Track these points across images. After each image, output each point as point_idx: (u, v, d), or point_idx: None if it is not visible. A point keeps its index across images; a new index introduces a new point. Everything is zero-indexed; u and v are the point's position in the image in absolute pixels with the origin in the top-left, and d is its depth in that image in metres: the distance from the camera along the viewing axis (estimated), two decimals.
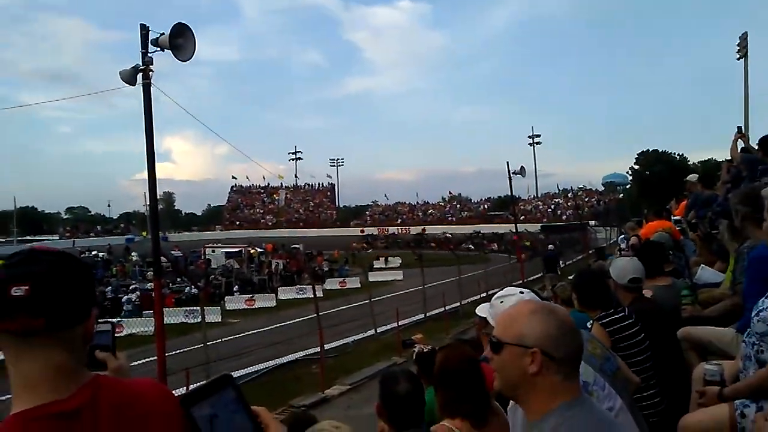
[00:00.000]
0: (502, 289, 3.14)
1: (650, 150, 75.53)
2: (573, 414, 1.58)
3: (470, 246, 59.19)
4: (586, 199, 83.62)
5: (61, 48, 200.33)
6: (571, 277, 9.15)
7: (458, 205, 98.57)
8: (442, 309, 19.88)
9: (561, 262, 29.31)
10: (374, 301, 19.69)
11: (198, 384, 1.09)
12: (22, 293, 1.17)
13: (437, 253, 28.15)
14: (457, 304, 22.54)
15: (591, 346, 2.84)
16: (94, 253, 49.07)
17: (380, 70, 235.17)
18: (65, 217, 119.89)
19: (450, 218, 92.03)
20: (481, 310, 3.32)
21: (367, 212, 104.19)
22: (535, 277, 28.50)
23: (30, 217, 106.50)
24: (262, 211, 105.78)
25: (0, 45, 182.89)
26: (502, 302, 2.38)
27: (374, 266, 44.26)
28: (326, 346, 15.26)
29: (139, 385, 1.36)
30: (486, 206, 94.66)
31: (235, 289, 32.56)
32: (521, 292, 2.45)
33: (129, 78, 10.50)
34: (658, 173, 67.59)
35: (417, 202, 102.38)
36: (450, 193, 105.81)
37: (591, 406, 1.69)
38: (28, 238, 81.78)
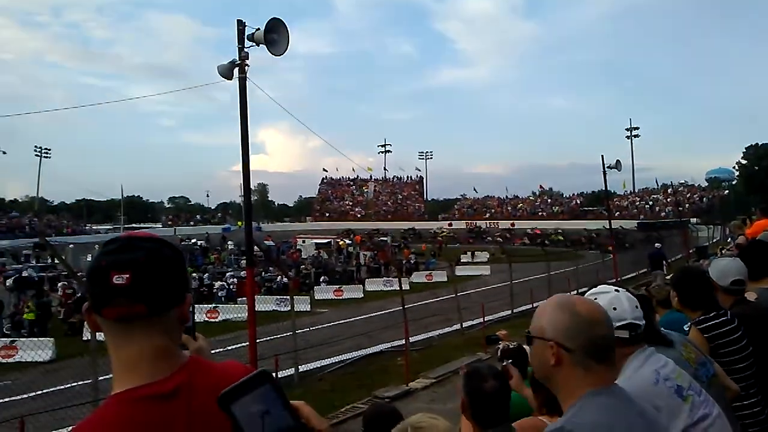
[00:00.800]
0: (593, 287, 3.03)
1: (759, 144, 70.77)
2: (595, 400, 1.63)
3: (560, 238, 57.64)
4: (688, 195, 79.33)
5: (165, 44, 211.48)
6: (669, 277, 8.73)
7: (549, 200, 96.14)
8: (530, 306, 19.47)
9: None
10: (460, 296, 19.56)
11: (236, 382, 1.08)
12: (124, 281, 1.21)
13: (527, 248, 27.48)
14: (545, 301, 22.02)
15: (685, 351, 2.71)
16: (193, 241, 51.53)
17: (471, 60, 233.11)
18: (168, 206, 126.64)
19: (540, 213, 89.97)
20: None
21: (455, 206, 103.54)
22: (629, 276, 27.43)
23: (136, 205, 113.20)
24: (351, 203, 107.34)
25: (111, 41, 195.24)
26: (595, 299, 2.29)
27: (461, 260, 44.00)
28: (411, 339, 15.32)
29: (229, 368, 1.40)
30: (578, 201, 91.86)
31: (321, 279, 33.22)
32: (616, 290, 2.35)
33: (226, 72, 10.89)
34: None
35: (506, 196, 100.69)
36: (541, 187, 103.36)
37: (622, 395, 1.71)
38: (133, 225, 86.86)
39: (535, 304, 20.11)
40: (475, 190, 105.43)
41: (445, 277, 34.42)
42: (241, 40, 10.75)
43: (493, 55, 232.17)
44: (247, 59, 10.93)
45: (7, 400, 13.26)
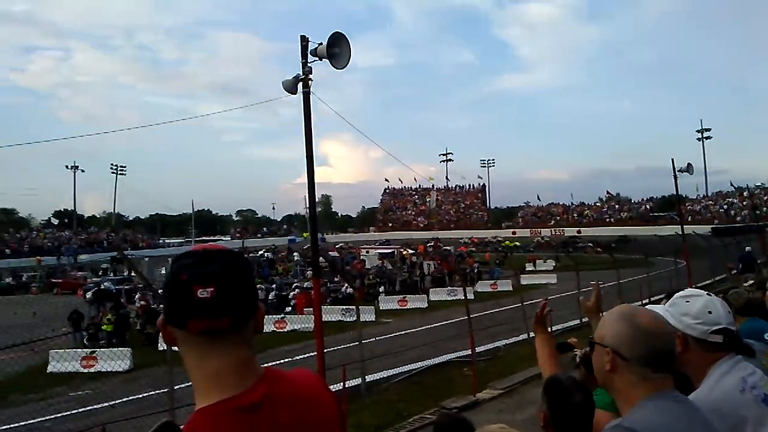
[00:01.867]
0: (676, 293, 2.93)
1: None
2: (653, 403, 1.68)
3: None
4: (765, 198, 75.59)
5: (231, 62, 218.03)
6: (747, 284, 8.35)
7: (617, 206, 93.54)
8: (600, 314, 18.93)
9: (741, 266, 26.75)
10: (526, 305, 19.24)
11: None
12: (208, 295, 1.22)
13: (595, 255, 26.71)
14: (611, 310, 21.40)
15: (765, 360, 2.60)
16: (260, 252, 52.75)
17: (533, 66, 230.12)
18: (236, 219, 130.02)
19: (608, 219, 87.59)
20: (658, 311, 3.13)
21: (519, 213, 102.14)
22: (704, 283, 26.30)
23: (205, 219, 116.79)
24: (413, 213, 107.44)
25: (180, 61, 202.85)
26: (687, 301, 2.21)
27: (526, 269, 43.30)
28: (477, 349, 15.17)
29: (303, 376, 1.42)
30: (648, 206, 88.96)
31: (381, 290, 33.27)
32: (708, 294, 2.26)
33: (291, 87, 11.10)
34: None
35: (572, 203, 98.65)
36: (608, 193, 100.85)
37: (684, 401, 1.75)
38: (203, 238, 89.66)
39: (603, 314, 19.63)
40: (538, 197, 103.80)
41: (510, 286, 33.97)
42: (304, 55, 10.94)
43: (555, 60, 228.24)
44: (311, 74, 11.12)
45: (88, 408, 13.88)
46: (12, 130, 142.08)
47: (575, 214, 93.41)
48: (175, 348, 1.31)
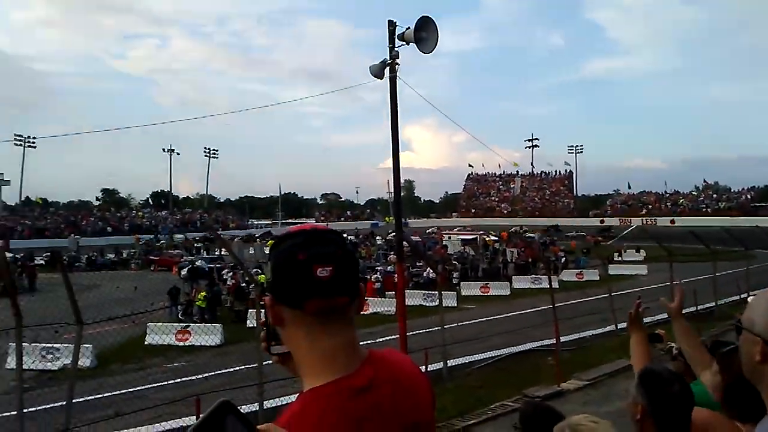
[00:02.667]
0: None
1: None
2: None
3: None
4: None
5: (318, 48, 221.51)
6: None
7: (714, 195, 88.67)
8: (694, 309, 18.11)
9: None
10: (614, 296, 18.65)
11: (200, 419, 1.02)
12: (327, 274, 1.23)
13: (692, 247, 25.46)
14: (712, 304, 20.41)
15: None
16: (344, 236, 53.65)
17: (625, 49, 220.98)
18: (320, 202, 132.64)
19: (705, 209, 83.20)
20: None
21: (607, 202, 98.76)
22: None
23: (291, 202, 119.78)
24: (497, 199, 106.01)
25: (269, 48, 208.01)
26: None
27: (614, 258, 41.92)
28: (562, 339, 14.90)
29: (400, 358, 1.43)
30: (749, 196, 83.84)
31: (455, 275, 33.00)
32: None
33: (378, 72, 11.19)
34: None
35: (665, 192, 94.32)
36: (705, 181, 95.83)
37: None
38: (290, 221, 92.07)
39: (699, 308, 18.81)
40: (629, 185, 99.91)
41: (597, 275, 33.01)
42: (392, 40, 10.99)
43: (651, 43, 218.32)
44: (398, 58, 11.16)
45: (184, 379, 14.66)
46: (114, 115, 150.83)
47: (669, 203, 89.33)
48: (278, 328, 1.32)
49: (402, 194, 12.94)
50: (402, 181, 12.43)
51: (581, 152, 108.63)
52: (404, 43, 10.84)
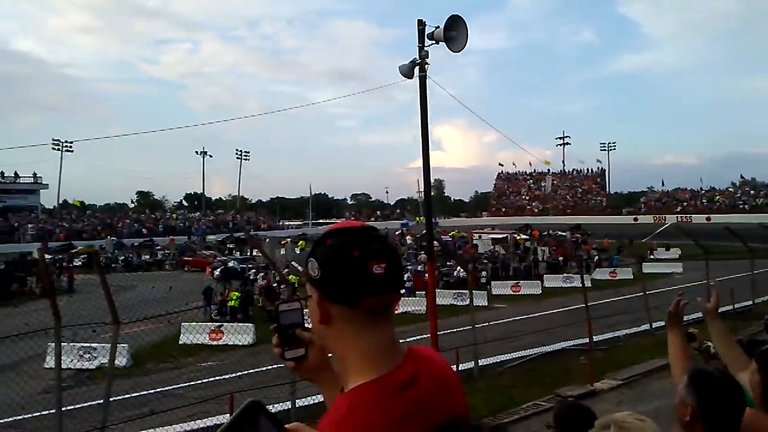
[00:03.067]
0: None
1: None
2: None
3: None
4: None
5: (347, 49, 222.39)
6: None
7: (752, 191, 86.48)
8: (731, 307, 17.71)
9: None
10: (649, 294, 18.33)
11: (230, 419, 1.04)
12: (382, 271, 1.23)
13: (729, 245, 24.89)
14: (749, 302, 19.95)
15: None
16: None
17: (658, 44, 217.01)
18: (350, 202, 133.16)
19: (742, 206, 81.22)
20: None
21: (641, 199, 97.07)
22: None
23: (322, 202, 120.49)
24: (528, 198, 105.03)
25: (298, 49, 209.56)
26: None
27: (649, 257, 41.22)
28: (595, 338, 14.71)
29: (427, 351, 1.43)
30: None
31: (483, 274, 32.78)
32: None
33: (407, 72, 11.18)
34: None
35: (700, 188, 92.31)
36: (741, 177, 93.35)
37: None
38: (320, 221, 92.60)
39: (736, 306, 18.39)
40: (663, 182, 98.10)
41: (630, 274, 32.50)
42: (421, 39, 10.97)
43: (684, 37, 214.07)
44: (427, 57, 11.14)
45: (217, 378, 14.85)
46: (148, 119, 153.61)
47: (704, 200, 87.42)
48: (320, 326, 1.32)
49: (432, 194, 12.91)
50: (432, 180, 12.41)
51: (614, 149, 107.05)
52: (434, 42, 10.81)
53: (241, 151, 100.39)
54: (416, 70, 11.18)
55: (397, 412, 1.19)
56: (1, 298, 29.38)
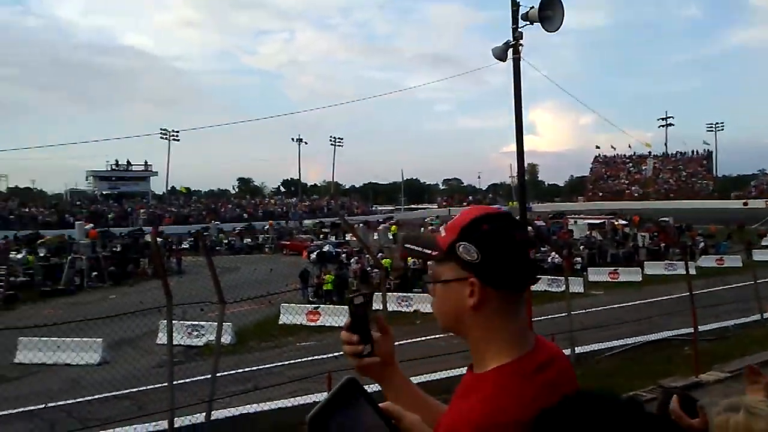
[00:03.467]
0: None
1: None
2: None
3: None
4: None
5: (440, 33, 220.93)
6: None
7: None
8: None
9: None
10: (760, 283, 17.24)
11: (325, 396, 1.04)
12: (533, 255, 1.34)
13: None
14: None
15: None
16: None
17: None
18: (442, 187, 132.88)
19: None
20: None
21: (752, 182, 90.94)
22: None
23: (414, 187, 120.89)
24: (627, 182, 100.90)
25: (391, 35, 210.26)
26: None
27: (760, 243, 38.66)
28: (700, 328, 14.06)
29: (541, 336, 1.44)
30: None
31: (576, 259, 31.80)
32: None
33: (500, 54, 11.03)
34: None
35: None
36: None
37: None
38: (412, 206, 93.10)
39: None
40: None
41: (739, 261, 30.64)
42: (515, 20, 10.79)
43: None
44: (521, 39, 10.95)
45: (315, 358, 15.38)
46: (248, 108, 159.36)
47: None
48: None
49: (525, 178, 12.74)
50: (525, 164, 12.23)
51: (722, 130, 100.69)
52: (528, 22, 10.61)
53: (335, 137, 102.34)
54: (509, 52, 11.01)
55: (528, 395, 1.21)
56: (119, 278, 31.64)
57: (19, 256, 33.29)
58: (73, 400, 12.36)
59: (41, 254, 34.15)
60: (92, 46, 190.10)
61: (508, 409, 1.18)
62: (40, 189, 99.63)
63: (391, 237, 45.19)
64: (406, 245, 1.43)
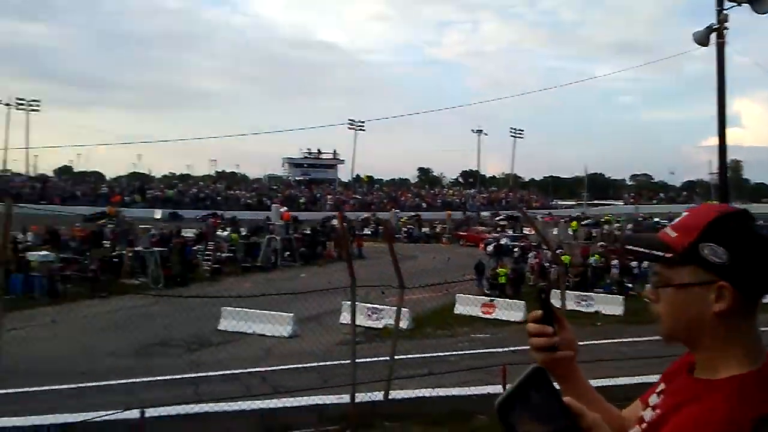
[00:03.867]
0: None
1: None
2: None
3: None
4: None
5: (631, 19, 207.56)
6: None
7: None
8: None
9: None
10: None
11: (513, 383, 1.01)
12: None
13: None
14: None
15: None
16: (656, 220, 49.92)
17: None
18: (629, 183, 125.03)
19: None
20: None
21: None
22: None
23: (598, 182, 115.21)
24: None
25: (579, 23, 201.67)
26: None
27: None
28: None
29: None
30: None
31: None
32: None
33: (702, 39, 10.23)
34: None
35: None
36: None
37: None
38: (595, 202, 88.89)
39: None
40: None
41: None
42: (719, 2, 9.97)
43: None
44: (726, 22, 10.06)
45: (489, 350, 15.42)
46: (430, 99, 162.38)
47: None
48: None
49: (728, 175, 11.69)
50: (728, 160, 11.22)
51: None
52: (735, 3, 9.72)
53: (515, 129, 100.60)
54: (712, 36, 10.16)
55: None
56: (308, 259, 34.07)
57: (224, 233, 37.23)
58: (267, 368, 13.62)
59: (243, 233, 37.86)
60: (290, 41, 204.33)
61: (758, 405, 1.13)
62: (244, 174, 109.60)
63: (571, 233, 43.59)
64: (627, 246, 1.37)
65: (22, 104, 73.74)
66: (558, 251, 20.73)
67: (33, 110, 74.92)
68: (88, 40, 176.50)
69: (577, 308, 20.52)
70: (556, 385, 1.18)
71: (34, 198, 54.74)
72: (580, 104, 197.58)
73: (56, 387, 12.21)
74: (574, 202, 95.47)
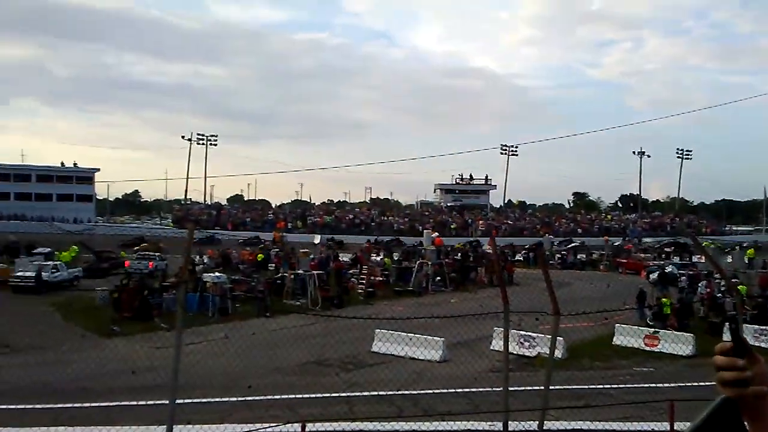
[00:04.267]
0: None
1: None
2: None
3: None
4: None
5: None
6: None
7: None
8: None
9: None
10: None
11: (699, 417, 0.93)
12: None
13: None
14: None
15: None
16: None
17: None
18: None
19: None
20: None
21: None
22: None
23: None
24: None
25: (753, 35, 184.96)
26: None
27: None
28: None
29: None
30: None
31: None
32: None
33: None
34: None
35: None
36: None
37: None
38: None
39: None
40: None
41: None
42: None
43: None
44: None
45: (653, 385, 14.42)
46: (587, 120, 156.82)
47: None
48: None
49: None
50: None
51: None
52: None
53: (682, 149, 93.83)
54: None
55: None
56: (459, 284, 34.11)
57: (378, 258, 38.32)
58: (418, 391, 13.75)
59: (396, 257, 38.78)
60: (443, 70, 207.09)
61: None
62: (396, 200, 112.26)
63: (746, 261, 39.72)
64: None
65: (201, 140, 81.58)
66: (733, 281, 18.95)
67: (212, 144, 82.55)
68: (257, 78, 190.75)
69: (756, 344, 18.52)
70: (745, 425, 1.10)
71: (210, 224, 60.04)
72: (756, 121, 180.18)
73: (226, 399, 13.23)
74: (751, 228, 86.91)
